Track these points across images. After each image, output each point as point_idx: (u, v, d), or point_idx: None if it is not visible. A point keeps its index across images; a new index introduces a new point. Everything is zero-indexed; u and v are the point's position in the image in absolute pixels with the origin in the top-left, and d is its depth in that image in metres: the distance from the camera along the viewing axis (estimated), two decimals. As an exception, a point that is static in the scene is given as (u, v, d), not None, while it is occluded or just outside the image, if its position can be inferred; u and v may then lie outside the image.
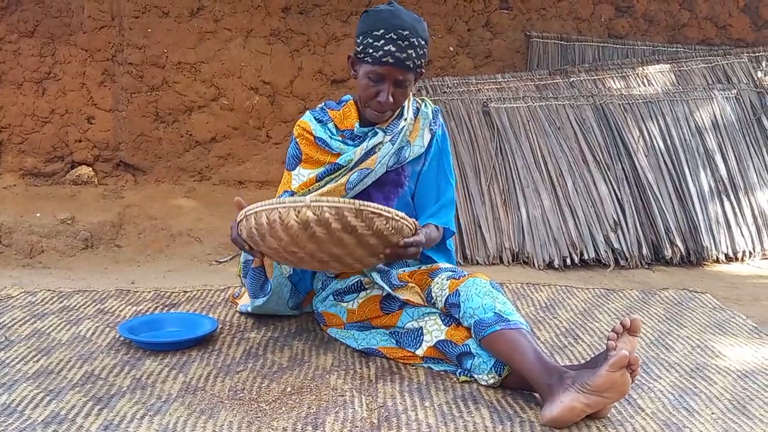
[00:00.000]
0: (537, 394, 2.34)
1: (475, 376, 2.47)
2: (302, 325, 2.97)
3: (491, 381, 2.44)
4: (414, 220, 2.41)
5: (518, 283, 3.67)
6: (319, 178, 2.74)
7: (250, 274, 2.77)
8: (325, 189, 2.68)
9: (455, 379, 2.51)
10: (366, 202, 2.27)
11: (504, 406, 2.33)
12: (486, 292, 2.47)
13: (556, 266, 4.05)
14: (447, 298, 2.53)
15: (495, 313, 2.40)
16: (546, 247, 4.12)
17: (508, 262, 4.12)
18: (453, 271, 2.64)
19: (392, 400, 2.35)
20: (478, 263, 4.07)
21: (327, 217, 2.23)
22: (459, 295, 2.49)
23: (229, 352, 2.72)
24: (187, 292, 3.39)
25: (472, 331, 2.45)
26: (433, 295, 2.58)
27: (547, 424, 2.18)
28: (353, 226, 2.26)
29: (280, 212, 2.25)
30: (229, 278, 3.60)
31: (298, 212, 2.23)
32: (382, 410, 2.28)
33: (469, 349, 2.47)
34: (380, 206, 2.28)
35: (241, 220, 2.38)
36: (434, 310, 2.59)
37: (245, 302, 3.05)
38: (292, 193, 2.76)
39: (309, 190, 2.72)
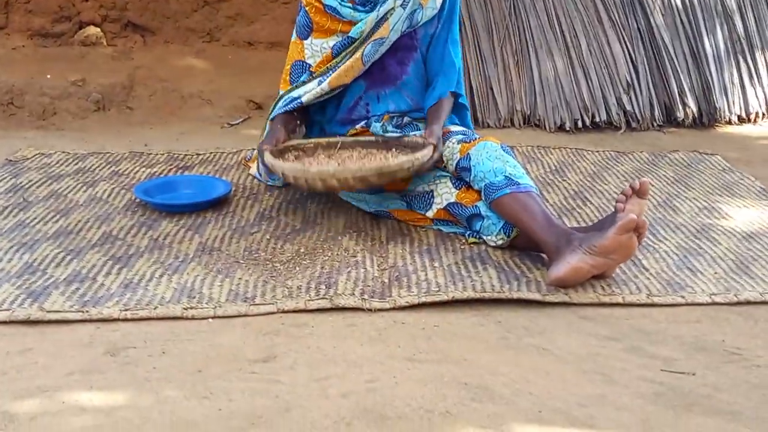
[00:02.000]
0: (544, 255, 2.40)
1: (484, 237, 2.52)
2: (314, 188, 3.01)
3: (500, 242, 2.49)
4: (431, 140, 2.51)
5: (529, 146, 3.68)
6: (335, 54, 2.73)
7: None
8: (342, 68, 2.70)
9: (464, 241, 2.57)
10: (388, 163, 2.41)
11: (511, 267, 2.40)
12: (497, 156, 2.49)
13: (568, 129, 4.04)
14: (458, 161, 2.55)
15: (505, 176, 2.43)
16: (558, 109, 4.09)
17: (520, 125, 4.10)
18: (464, 134, 2.65)
19: (402, 261, 2.42)
20: (489, 126, 4.06)
21: (352, 184, 2.42)
22: (470, 158, 2.51)
23: (243, 214, 2.78)
24: (200, 154, 3.41)
25: (482, 194, 2.48)
26: (444, 158, 2.60)
27: (553, 283, 2.25)
28: (378, 184, 2.49)
29: (306, 180, 2.41)
30: (241, 141, 3.62)
31: (324, 181, 2.38)
32: (393, 270, 2.35)
33: (479, 211, 2.51)
34: (401, 160, 2.41)
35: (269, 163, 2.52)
36: (445, 173, 2.62)
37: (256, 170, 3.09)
38: (306, 66, 2.77)
39: (327, 68, 2.73)
